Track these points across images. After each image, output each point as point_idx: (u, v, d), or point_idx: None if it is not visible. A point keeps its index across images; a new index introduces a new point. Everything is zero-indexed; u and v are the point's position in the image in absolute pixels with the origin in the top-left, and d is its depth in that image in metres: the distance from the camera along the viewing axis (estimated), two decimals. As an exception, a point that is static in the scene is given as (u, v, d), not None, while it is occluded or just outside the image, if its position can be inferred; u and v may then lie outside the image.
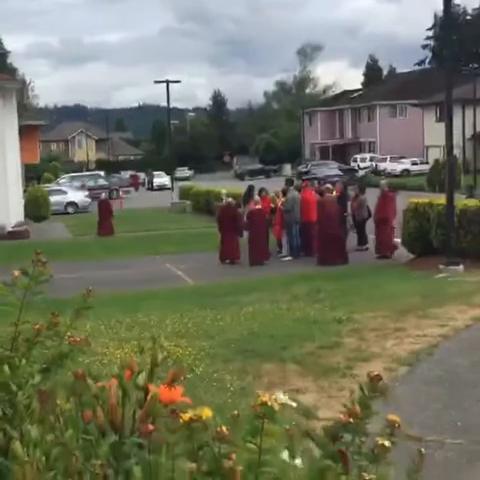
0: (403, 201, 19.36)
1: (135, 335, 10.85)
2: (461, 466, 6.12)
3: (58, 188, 46.51)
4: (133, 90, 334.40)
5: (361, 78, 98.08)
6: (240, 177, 70.45)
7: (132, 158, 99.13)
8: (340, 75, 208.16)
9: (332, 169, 56.85)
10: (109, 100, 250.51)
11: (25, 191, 38.18)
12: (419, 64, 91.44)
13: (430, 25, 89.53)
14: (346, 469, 1.31)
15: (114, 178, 63.39)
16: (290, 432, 1.33)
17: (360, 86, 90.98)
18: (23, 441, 1.41)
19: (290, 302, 13.27)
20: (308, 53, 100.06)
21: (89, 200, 43.91)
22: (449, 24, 22.68)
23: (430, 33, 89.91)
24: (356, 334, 10.40)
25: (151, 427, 1.36)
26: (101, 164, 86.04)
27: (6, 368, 1.65)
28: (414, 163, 60.82)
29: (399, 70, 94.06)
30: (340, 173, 53.12)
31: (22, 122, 37.34)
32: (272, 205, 21.25)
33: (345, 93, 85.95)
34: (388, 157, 63.80)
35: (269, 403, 1.27)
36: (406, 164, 61.19)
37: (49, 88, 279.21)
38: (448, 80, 17.79)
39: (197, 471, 1.27)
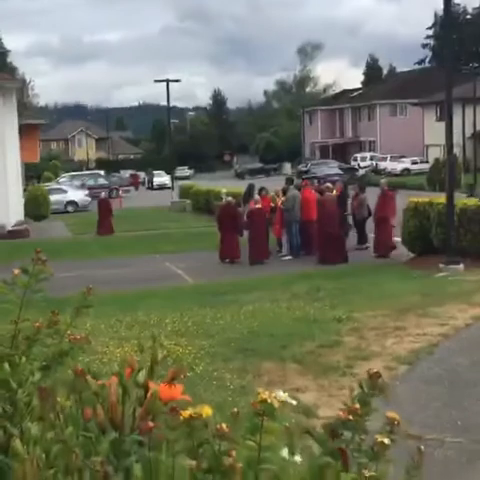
0: (403, 200, 19.35)
1: (135, 334, 10.84)
2: (461, 465, 6.12)
3: (58, 187, 46.49)
4: (133, 89, 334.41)
5: (361, 77, 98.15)
6: (240, 176, 70.34)
7: (132, 157, 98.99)
8: (340, 74, 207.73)
9: (332, 168, 56.77)
10: (109, 99, 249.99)
11: (25, 190, 38.18)
12: (419, 63, 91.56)
13: (430, 24, 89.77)
14: (346, 466, 1.31)
15: (114, 177, 63.40)
16: (290, 429, 1.33)
17: (360, 85, 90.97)
18: (23, 438, 1.42)
19: (290, 301, 13.26)
20: (308, 52, 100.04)
21: (89, 199, 43.89)
22: (449, 23, 22.64)
23: (430, 32, 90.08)
24: (356, 333, 10.40)
25: (151, 424, 1.36)
26: (101, 163, 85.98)
27: (6, 366, 1.65)
28: (414, 162, 60.76)
29: (399, 69, 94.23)
30: (340, 172, 53.08)
31: (22, 121, 37.31)
32: (272, 204, 21.22)
33: (345, 92, 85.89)
34: (388, 156, 63.77)
35: (269, 401, 1.27)
36: (406, 163, 61.14)
37: (49, 87, 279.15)
38: (448, 79, 17.79)
39: (197, 468, 1.28)
